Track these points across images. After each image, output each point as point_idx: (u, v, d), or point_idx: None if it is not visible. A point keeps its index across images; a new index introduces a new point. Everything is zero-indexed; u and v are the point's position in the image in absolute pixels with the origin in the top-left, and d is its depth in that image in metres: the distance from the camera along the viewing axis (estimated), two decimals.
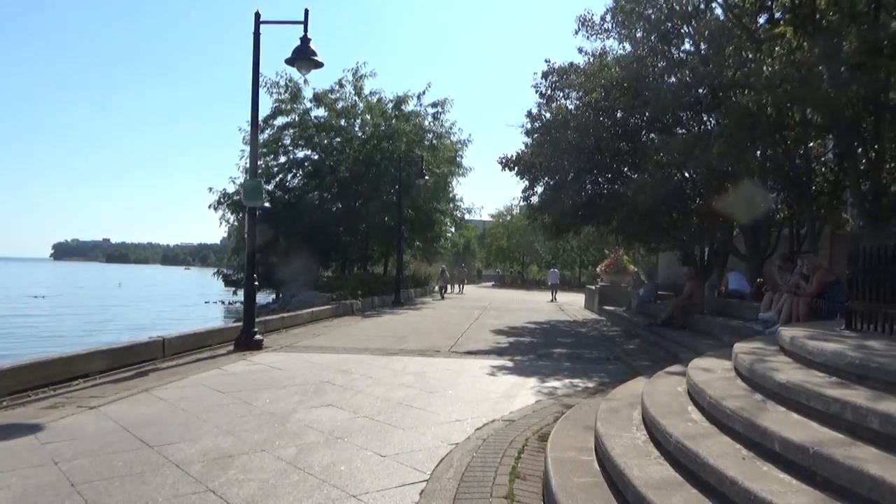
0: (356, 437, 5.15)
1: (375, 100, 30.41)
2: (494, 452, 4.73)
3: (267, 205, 29.73)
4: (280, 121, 29.14)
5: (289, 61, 10.53)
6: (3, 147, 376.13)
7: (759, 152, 11.59)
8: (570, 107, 16.33)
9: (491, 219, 76.22)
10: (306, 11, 10.46)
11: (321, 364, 8.98)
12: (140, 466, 4.33)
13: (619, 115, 15.42)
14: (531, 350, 11.67)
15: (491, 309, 24.05)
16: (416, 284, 33.79)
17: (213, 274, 32.37)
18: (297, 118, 29.11)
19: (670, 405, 4.26)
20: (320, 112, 29.96)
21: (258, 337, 10.50)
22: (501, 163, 17.24)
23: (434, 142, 30.41)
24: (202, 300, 48.78)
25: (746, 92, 9.56)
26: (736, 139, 9.62)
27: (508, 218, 74.19)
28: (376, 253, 35.07)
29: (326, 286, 22.52)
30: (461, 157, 32.23)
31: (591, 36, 14.83)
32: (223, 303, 43.64)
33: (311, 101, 29.12)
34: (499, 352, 11.14)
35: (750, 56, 9.55)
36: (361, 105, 30.53)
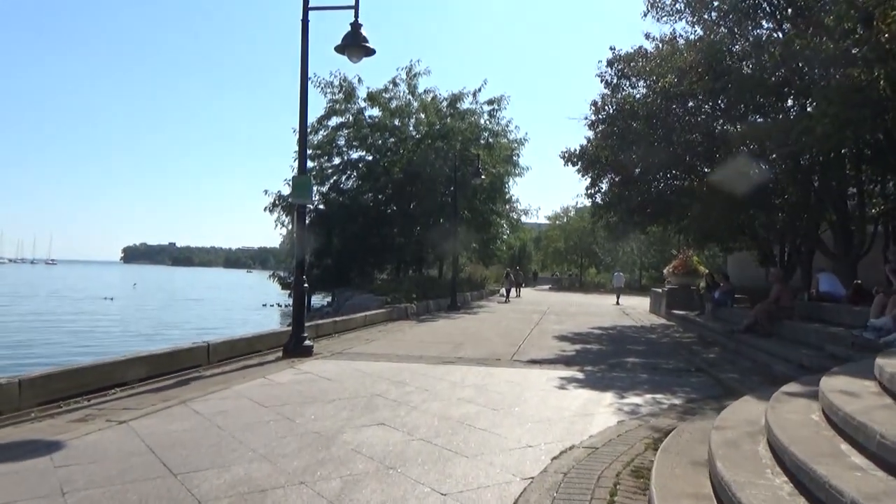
0: (411, 467, 4.36)
1: (430, 98, 29.78)
2: (580, 493, 3.85)
3: (321, 206, 29.55)
4: (334, 121, 28.88)
5: (338, 49, 9.88)
6: (77, 156, 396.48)
7: (868, 135, 10.22)
8: (637, 95, 15.18)
9: (547, 221, 74.57)
10: None
11: (373, 374, 8.26)
12: (156, 502, 3.64)
13: (690, 104, 14.20)
14: (601, 359, 10.67)
15: (551, 313, 22.98)
16: (473, 287, 32.96)
17: (269, 277, 32.36)
18: (351, 118, 28.75)
19: (814, 442, 3.29)
20: (374, 112, 29.55)
21: (308, 343, 9.88)
22: (564, 157, 16.22)
23: (490, 140, 29.57)
24: (261, 303, 49.38)
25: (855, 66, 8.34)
26: (841, 119, 8.40)
27: (565, 219, 72.46)
28: (431, 255, 34.48)
29: (381, 289, 21.96)
30: (518, 155, 31.26)
31: (662, 18, 13.71)
32: (280, 305, 43.92)
33: (364, 100, 28.73)
34: (566, 361, 10.18)
35: (857, 27, 8.34)
36: (416, 104, 29.95)
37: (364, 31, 9.78)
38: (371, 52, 9.92)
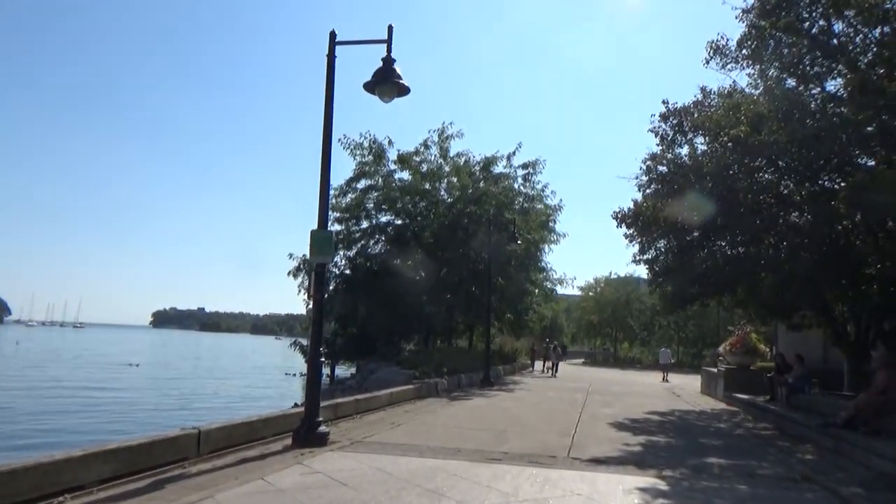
0: None
1: (462, 161, 28.81)
2: None
3: (347, 272, 28.28)
4: (363, 184, 27.90)
5: (368, 86, 8.65)
6: (107, 222, 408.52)
7: None
8: (699, 150, 13.72)
9: (579, 292, 72.27)
10: (390, 28, 8.65)
11: (401, 476, 6.50)
12: None
13: (760, 161, 12.64)
14: (677, 458, 8.75)
15: (594, 392, 20.90)
16: (504, 361, 30.97)
17: (290, 345, 30.89)
18: (380, 181, 27.79)
19: None
20: (404, 175, 28.60)
21: (322, 429, 8.19)
22: (616, 217, 14.67)
23: (525, 205, 28.28)
24: (284, 372, 47.76)
25: None
26: None
27: (598, 290, 70.12)
28: (461, 325, 32.76)
29: (408, 361, 20.22)
30: (554, 221, 29.84)
31: (727, 65, 12.40)
32: (303, 375, 42.22)
33: (394, 162, 27.84)
34: (636, 460, 8.28)
35: None
36: (447, 167, 29.00)
37: (397, 68, 8.58)
38: (405, 90, 8.67)
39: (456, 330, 31.57)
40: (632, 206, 15.48)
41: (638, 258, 16.87)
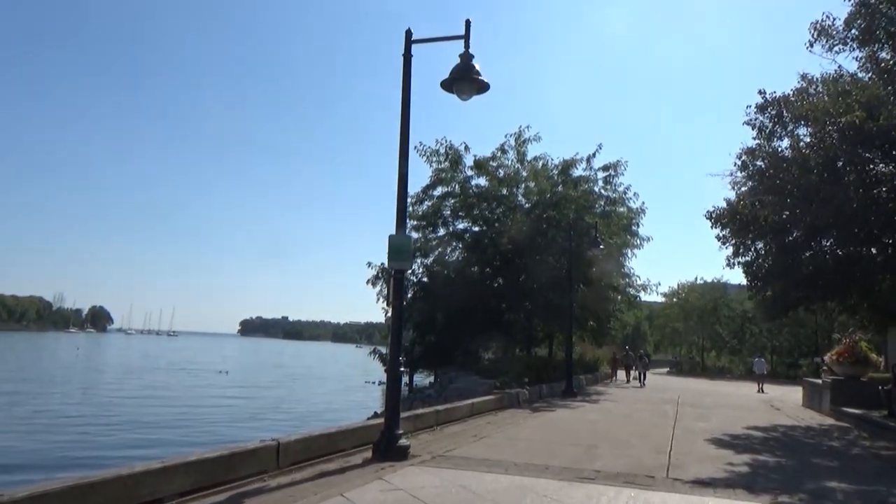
0: None
1: (540, 165, 28.12)
2: None
3: (425, 279, 28.14)
4: (439, 191, 27.70)
5: (446, 84, 8.32)
6: (196, 233, 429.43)
7: None
8: (801, 143, 12.60)
9: (663, 299, 69.43)
10: (467, 24, 8.31)
11: (486, 496, 6.06)
12: None
13: (874, 151, 11.46)
14: (790, 480, 7.88)
15: (685, 404, 19.74)
16: (585, 370, 29.95)
17: (370, 353, 31.07)
18: (457, 187, 27.52)
19: None
20: (481, 181, 28.22)
21: (403, 442, 7.87)
22: (710, 217, 13.71)
23: (607, 208, 27.28)
24: (364, 380, 48.32)
25: None
26: None
27: (683, 296, 67.15)
28: (540, 333, 31.97)
29: (488, 370, 19.78)
30: (637, 225, 28.65)
31: (834, 47, 11.31)
32: (382, 383, 42.53)
33: (471, 168, 27.48)
34: (744, 483, 7.49)
35: None
36: (524, 172, 28.41)
37: (476, 64, 8.21)
38: (484, 86, 8.29)
39: (534, 338, 30.80)
40: (724, 205, 14.50)
41: (732, 261, 15.78)
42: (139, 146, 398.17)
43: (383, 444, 7.76)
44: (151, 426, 20.72)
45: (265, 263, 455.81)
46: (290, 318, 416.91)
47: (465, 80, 8.16)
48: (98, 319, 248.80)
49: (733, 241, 14.99)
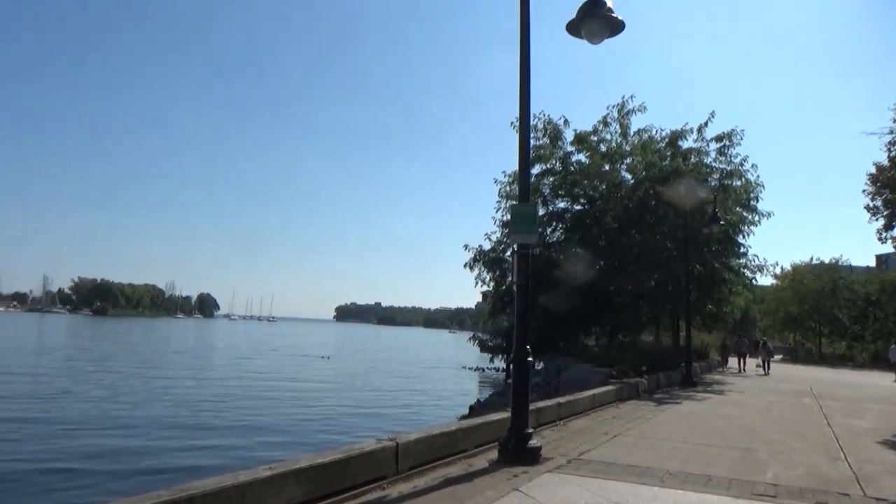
0: None
1: (646, 137, 26.13)
2: None
3: None
4: (538, 169, 26.30)
5: (572, 27, 7.10)
6: (292, 221, 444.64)
7: None
8: None
9: (775, 280, 64.45)
10: None
11: None
12: None
13: None
14: None
15: (824, 396, 17.62)
16: (697, 358, 27.85)
17: (469, 339, 30.28)
18: (557, 164, 26.05)
19: None
20: (581, 157, 26.58)
21: (534, 443, 6.81)
22: (872, 180, 11.72)
23: (724, 182, 24.98)
24: (461, 366, 47.83)
25: None
26: None
27: (795, 279, 62.03)
28: (644, 318, 30.05)
29: (598, 358, 18.39)
30: (756, 199, 26.10)
31: None
32: (481, 370, 41.80)
33: (572, 143, 25.91)
34: None
35: None
36: (628, 146, 26.51)
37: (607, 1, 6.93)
38: (618, 25, 6.99)
39: (643, 324, 28.97)
40: (874, 170, 12.40)
41: (885, 235, 13.61)
42: (250, 145, 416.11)
43: (511, 444, 6.73)
44: (263, 413, 20.70)
45: (359, 251, 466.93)
46: (383, 304, 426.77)
47: (594, 19, 6.89)
48: (205, 306, 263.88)
49: (886, 213, 12.86)
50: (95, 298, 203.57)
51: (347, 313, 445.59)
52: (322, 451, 5.36)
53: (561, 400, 10.31)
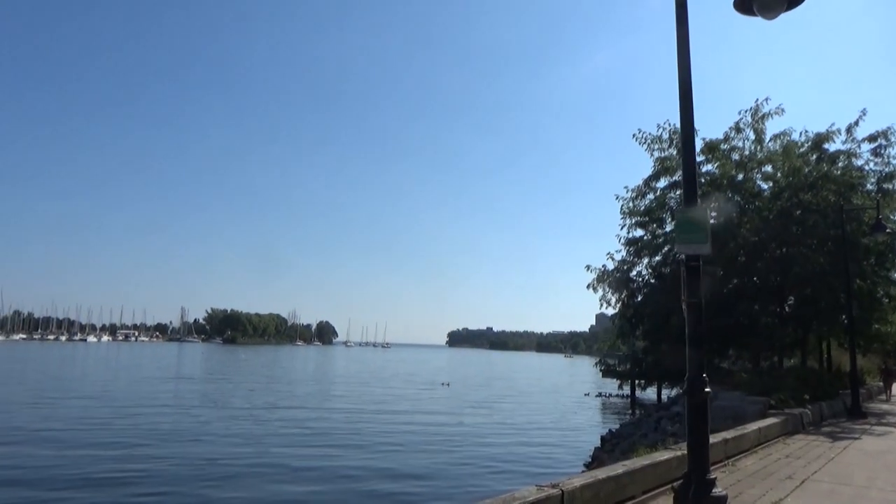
0: None
1: (785, 142, 23.83)
2: None
3: (652, 281, 25.26)
4: (663, 182, 24.69)
5: (741, 4, 6.08)
6: (404, 251, 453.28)
7: None
8: None
9: None
10: None
11: None
12: None
13: None
14: None
15: None
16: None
17: (595, 364, 28.70)
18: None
19: None
20: (710, 167, 24.65)
21: (718, 491, 5.71)
22: None
23: (884, 186, 22.24)
24: (579, 392, 45.93)
25: None
26: None
27: None
28: (789, 339, 27.20)
29: (751, 385, 16.51)
30: None
31: None
32: (605, 395, 39.86)
33: (701, 152, 24.06)
34: None
35: None
36: (762, 153, 24.30)
37: None
38: None
39: (790, 345, 26.25)
40: None
41: None
42: (358, 177, 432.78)
43: (692, 492, 5.67)
44: (399, 450, 19.40)
45: (470, 277, 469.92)
46: (495, 329, 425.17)
47: None
48: (324, 333, 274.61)
49: None
50: (226, 328, 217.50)
51: (459, 338, 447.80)
52: (480, 500, 4.63)
53: (727, 435, 8.99)
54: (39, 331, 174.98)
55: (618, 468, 6.14)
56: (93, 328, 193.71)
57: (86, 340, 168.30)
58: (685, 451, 6.91)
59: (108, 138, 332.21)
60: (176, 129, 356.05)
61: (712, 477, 5.78)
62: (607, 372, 38.01)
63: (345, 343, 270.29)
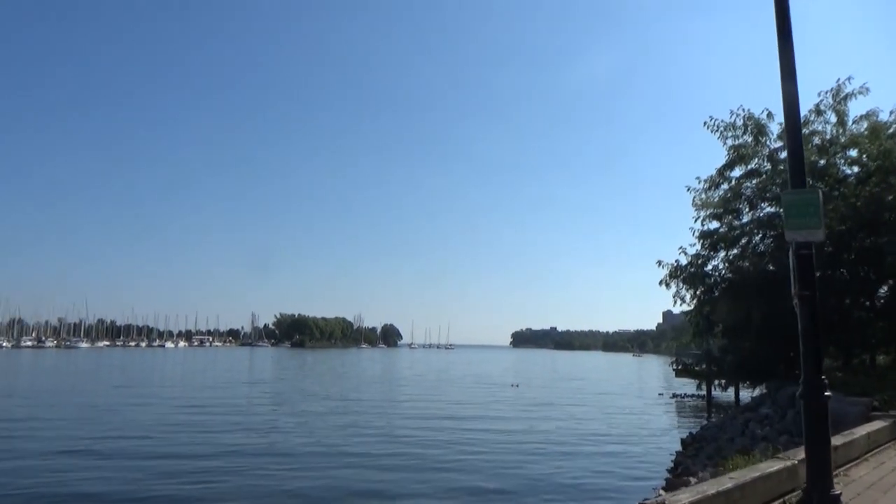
0: None
1: (872, 123, 22.25)
2: None
3: (729, 275, 24.02)
4: (738, 171, 23.50)
5: None
6: (467, 252, 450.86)
7: None
8: None
9: None
10: None
11: None
12: None
13: None
14: None
15: None
16: None
17: (671, 363, 27.53)
18: (765, 163, 23.01)
19: None
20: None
21: None
22: None
23: None
24: (651, 392, 44.47)
25: None
26: None
27: None
28: (882, 333, 25.33)
29: (850, 385, 15.35)
30: None
31: None
32: (680, 396, 38.40)
33: (777, 139, 22.76)
34: None
35: None
36: (845, 136, 22.77)
37: None
38: None
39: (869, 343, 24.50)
40: None
41: None
42: (419, 178, 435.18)
43: None
44: (479, 457, 18.01)
45: (533, 277, 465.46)
46: (559, 329, 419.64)
47: None
48: (389, 336, 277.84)
49: None
50: (294, 332, 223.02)
51: (523, 339, 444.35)
52: None
53: (835, 442, 8.19)
54: (122, 337, 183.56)
55: (726, 482, 5.55)
56: (170, 334, 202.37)
57: (164, 346, 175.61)
58: (794, 461, 6.32)
59: (184, 141, 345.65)
60: (246, 134, 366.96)
61: (837, 492, 5.17)
62: (681, 371, 36.52)
63: (409, 345, 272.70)
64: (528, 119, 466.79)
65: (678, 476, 14.11)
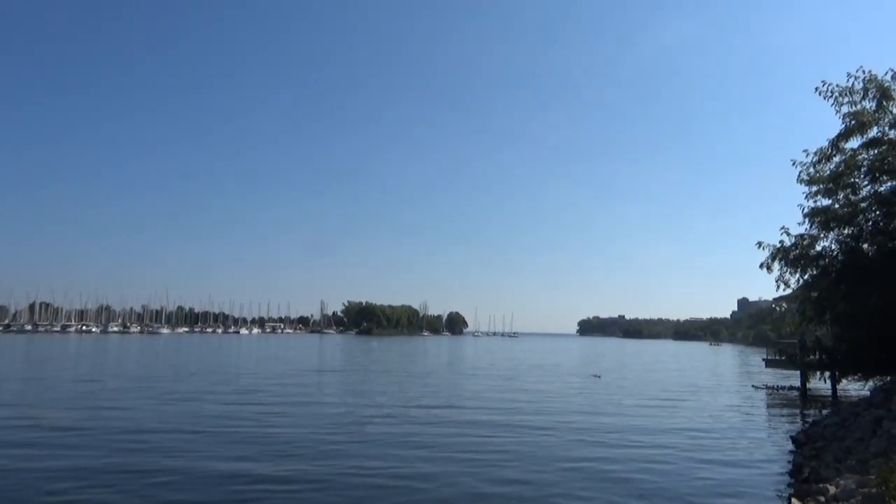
0: None
1: None
2: None
3: (840, 257, 21.80)
4: (856, 141, 21.16)
5: None
6: (535, 239, 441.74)
7: None
8: None
9: None
10: None
11: None
12: None
13: None
14: None
15: None
16: None
17: (776, 353, 25.35)
18: (888, 130, 20.63)
19: None
20: None
21: None
22: None
23: None
24: (740, 383, 41.95)
25: None
26: None
27: None
28: None
29: None
30: None
31: None
32: (775, 388, 35.89)
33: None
34: None
35: None
36: None
37: None
38: None
39: None
40: None
41: None
42: (488, 167, 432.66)
43: None
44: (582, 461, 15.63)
45: (599, 263, 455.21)
46: (627, 317, 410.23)
47: None
48: (454, 324, 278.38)
49: None
50: (362, 319, 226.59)
51: (590, 327, 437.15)
52: None
53: None
54: (199, 324, 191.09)
55: None
56: (244, 321, 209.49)
57: (238, 333, 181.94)
58: None
59: (262, 136, 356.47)
60: (312, 130, 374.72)
61: None
62: (772, 362, 34.10)
63: (473, 333, 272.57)
64: (596, 99, 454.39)
65: (805, 481, 12.51)
